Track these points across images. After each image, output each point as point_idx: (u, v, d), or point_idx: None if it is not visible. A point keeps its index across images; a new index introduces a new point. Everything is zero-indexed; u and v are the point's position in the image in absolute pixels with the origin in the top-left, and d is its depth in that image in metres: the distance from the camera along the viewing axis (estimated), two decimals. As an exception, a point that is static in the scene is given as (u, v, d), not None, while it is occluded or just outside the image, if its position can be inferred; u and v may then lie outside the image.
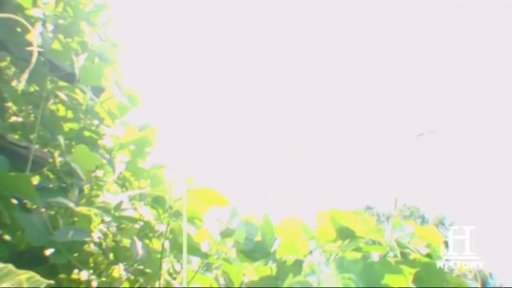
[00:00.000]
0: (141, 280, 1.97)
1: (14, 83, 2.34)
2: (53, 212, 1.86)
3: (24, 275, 0.62)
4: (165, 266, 2.06)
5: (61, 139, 1.76)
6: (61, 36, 2.11)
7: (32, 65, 1.04)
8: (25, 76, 1.10)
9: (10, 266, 0.64)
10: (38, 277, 0.63)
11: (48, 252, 1.82)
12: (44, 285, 0.63)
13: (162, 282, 1.86)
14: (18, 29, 1.84)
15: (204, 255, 1.81)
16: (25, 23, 1.02)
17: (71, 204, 1.66)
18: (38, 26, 1.81)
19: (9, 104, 2.21)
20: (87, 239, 1.75)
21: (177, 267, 2.13)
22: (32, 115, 2.19)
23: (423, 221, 21.19)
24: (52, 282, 0.63)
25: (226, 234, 1.80)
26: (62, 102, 2.20)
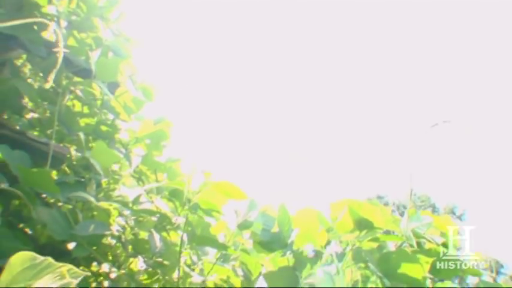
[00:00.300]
0: (159, 272, 2.00)
1: (29, 80, 2.37)
2: (70, 206, 1.90)
3: (64, 267, 0.65)
4: (183, 258, 2.09)
5: (81, 135, 1.79)
6: (75, 32, 2.12)
7: (58, 66, 1.05)
8: (52, 76, 1.11)
9: (50, 259, 0.66)
10: (75, 269, 0.65)
11: (69, 245, 1.86)
12: (82, 277, 0.65)
13: (180, 274, 1.88)
14: (35, 27, 1.86)
15: (222, 247, 1.83)
16: (47, 22, 1.03)
17: (92, 199, 1.68)
18: (53, 24, 1.83)
19: (25, 101, 2.24)
20: (107, 233, 1.78)
21: (194, 258, 2.15)
22: (48, 111, 2.22)
23: (434, 210, 21.12)
24: (88, 273, 0.65)
25: (244, 226, 1.81)
26: (77, 97, 2.23)
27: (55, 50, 1.01)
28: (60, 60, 1.02)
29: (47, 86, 1.36)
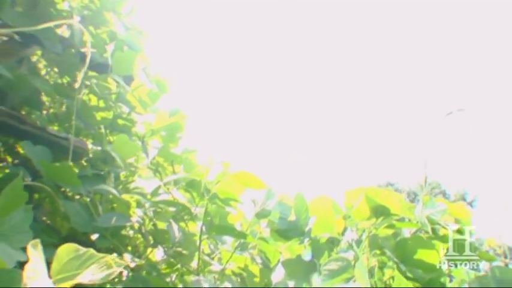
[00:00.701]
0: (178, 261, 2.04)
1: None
2: (88, 199, 1.94)
3: (107, 257, 0.68)
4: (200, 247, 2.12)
5: (102, 129, 1.83)
6: (91, 28, 2.15)
7: (86, 65, 1.08)
8: (81, 76, 1.14)
9: (92, 250, 0.69)
10: (117, 259, 0.68)
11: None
12: (122, 267, 0.68)
13: (200, 263, 1.92)
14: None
15: (242, 235, 1.86)
16: (69, 22, 1.06)
17: (115, 192, 1.72)
18: (75, 21, 1.85)
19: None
20: (128, 224, 1.82)
21: (211, 247, 2.20)
22: (64, 106, 2.25)
23: (444, 196, 21.03)
24: (127, 264, 0.68)
25: (262, 215, 1.84)
26: (92, 92, 2.25)
27: (83, 50, 1.03)
28: (88, 60, 1.04)
29: (76, 85, 1.39)
